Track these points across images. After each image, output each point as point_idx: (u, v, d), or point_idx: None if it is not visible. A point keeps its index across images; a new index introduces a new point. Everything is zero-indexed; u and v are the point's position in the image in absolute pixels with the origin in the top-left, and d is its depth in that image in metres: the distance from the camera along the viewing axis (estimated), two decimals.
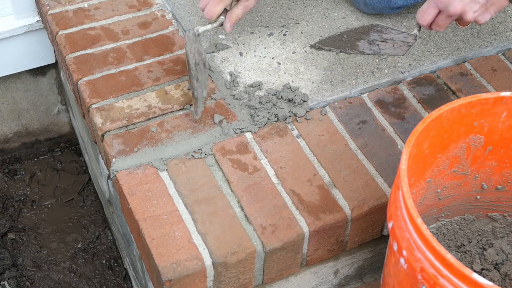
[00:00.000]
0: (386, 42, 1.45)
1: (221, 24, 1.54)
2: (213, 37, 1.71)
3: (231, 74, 1.61)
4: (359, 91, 1.59)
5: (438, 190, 1.32)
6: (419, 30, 1.43)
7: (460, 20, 1.36)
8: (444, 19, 1.34)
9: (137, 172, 1.40)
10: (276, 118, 1.51)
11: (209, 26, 1.54)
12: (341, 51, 1.46)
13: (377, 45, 1.45)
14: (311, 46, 1.49)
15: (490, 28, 1.77)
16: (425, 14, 1.35)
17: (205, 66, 1.50)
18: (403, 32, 1.41)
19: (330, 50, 1.48)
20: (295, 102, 1.53)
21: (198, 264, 1.25)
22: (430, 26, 1.39)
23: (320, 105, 1.56)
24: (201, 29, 1.53)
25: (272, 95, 1.55)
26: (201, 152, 1.44)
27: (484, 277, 1.29)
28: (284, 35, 1.73)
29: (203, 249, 1.27)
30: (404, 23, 1.76)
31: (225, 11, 1.54)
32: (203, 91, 1.48)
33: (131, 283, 1.99)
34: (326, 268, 1.49)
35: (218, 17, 1.53)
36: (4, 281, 1.95)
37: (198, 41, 1.50)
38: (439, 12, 1.33)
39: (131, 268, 1.84)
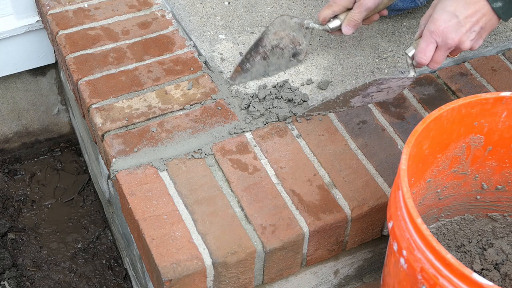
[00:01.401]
0: (382, 91, 1.45)
1: (327, 30, 1.53)
2: (213, 37, 1.71)
3: (231, 74, 1.61)
4: None
5: (438, 190, 1.32)
6: (415, 71, 1.41)
7: (454, 51, 1.35)
8: (443, 53, 1.33)
9: (137, 172, 1.40)
10: (276, 118, 1.51)
11: (316, 25, 1.55)
12: (330, 111, 1.49)
13: (371, 96, 1.45)
14: (299, 116, 1.50)
15: None
16: (426, 51, 1.32)
17: (293, 56, 1.55)
18: (401, 78, 1.39)
19: (319, 114, 1.49)
20: (295, 102, 1.53)
21: (198, 264, 1.25)
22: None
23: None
24: (311, 24, 1.55)
25: (272, 95, 1.55)
26: (201, 152, 1.44)
27: (484, 277, 1.29)
28: None
29: (203, 249, 1.27)
30: (404, 23, 1.77)
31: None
32: (260, 70, 1.53)
33: (131, 283, 1.99)
34: (326, 268, 1.49)
35: (328, 22, 1.53)
36: (4, 281, 1.95)
37: (302, 31, 1.53)
38: (437, 47, 1.32)
39: (131, 268, 1.84)
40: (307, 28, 1.55)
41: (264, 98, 1.53)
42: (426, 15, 1.35)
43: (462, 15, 1.26)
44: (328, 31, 1.54)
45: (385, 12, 1.56)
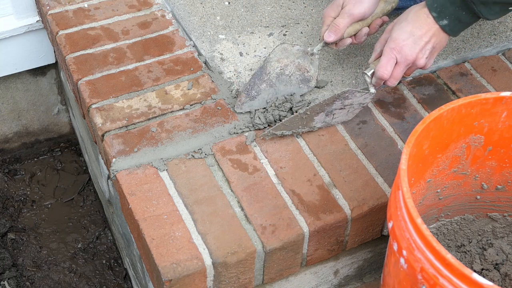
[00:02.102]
0: (344, 108, 1.47)
1: (327, 45, 1.54)
2: (213, 37, 1.71)
3: (231, 74, 1.61)
4: None
5: (438, 190, 1.32)
6: (375, 88, 1.48)
7: (410, 68, 1.45)
8: (402, 69, 1.42)
9: (137, 172, 1.40)
10: (278, 118, 1.51)
11: (319, 47, 1.55)
12: (293, 133, 1.47)
13: (333, 114, 1.48)
14: (264, 135, 1.47)
15: (490, 28, 1.77)
16: (387, 66, 1.41)
17: (302, 83, 1.53)
18: (364, 94, 1.45)
19: (282, 135, 1.47)
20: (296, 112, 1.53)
21: (198, 264, 1.25)
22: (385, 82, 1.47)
23: None
24: (315, 49, 1.55)
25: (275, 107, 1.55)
26: (201, 152, 1.44)
27: (484, 277, 1.29)
28: (284, 35, 1.73)
29: (203, 249, 1.27)
30: None
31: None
32: (268, 97, 1.51)
33: (131, 283, 1.99)
34: (326, 268, 1.49)
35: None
36: (4, 281, 1.95)
37: (307, 58, 1.54)
38: (396, 63, 1.42)
39: (131, 268, 1.84)
40: (311, 54, 1.55)
41: (267, 110, 1.52)
42: (381, 39, 1.46)
43: (417, 34, 1.39)
44: (328, 45, 1.54)
45: (382, 21, 1.56)
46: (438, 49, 1.43)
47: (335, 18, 1.50)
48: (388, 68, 1.42)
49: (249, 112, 1.51)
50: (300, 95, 1.54)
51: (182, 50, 1.67)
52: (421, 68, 1.45)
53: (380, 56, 1.45)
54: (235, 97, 1.56)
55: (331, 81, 1.60)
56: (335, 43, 1.53)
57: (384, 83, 1.46)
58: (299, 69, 1.54)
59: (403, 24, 1.40)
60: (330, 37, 1.49)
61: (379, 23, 1.55)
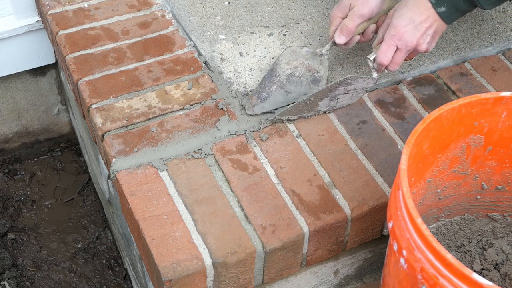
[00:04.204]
0: (348, 93, 1.50)
1: (335, 45, 1.54)
2: (213, 37, 1.71)
3: (231, 74, 1.61)
4: None
5: (438, 190, 1.32)
6: (377, 73, 1.50)
7: (412, 53, 1.47)
8: (403, 54, 1.45)
9: (137, 172, 1.40)
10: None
11: (327, 47, 1.55)
12: (299, 117, 1.50)
13: (337, 99, 1.50)
14: (270, 121, 1.50)
15: (490, 28, 1.77)
16: (387, 53, 1.43)
17: (313, 83, 1.53)
18: (367, 79, 1.48)
19: (288, 120, 1.49)
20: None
21: (198, 264, 1.25)
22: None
23: None
24: (323, 50, 1.55)
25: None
26: (201, 152, 1.44)
27: (484, 277, 1.29)
28: (284, 35, 1.73)
29: (203, 249, 1.27)
30: None
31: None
32: (279, 99, 1.51)
33: (131, 283, 1.99)
34: (326, 268, 1.49)
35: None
36: (4, 281, 1.95)
37: (317, 59, 1.54)
38: (397, 49, 1.44)
39: (131, 268, 1.85)
40: (320, 55, 1.55)
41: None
42: (384, 24, 1.48)
43: (418, 21, 1.40)
44: (337, 45, 1.54)
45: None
46: (439, 33, 1.44)
47: (343, 19, 1.50)
48: (388, 54, 1.44)
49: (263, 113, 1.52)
50: None
51: (182, 50, 1.67)
52: (423, 52, 1.46)
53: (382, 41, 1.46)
54: (235, 97, 1.56)
55: (331, 81, 1.60)
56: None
57: (385, 68, 1.48)
58: (309, 70, 1.55)
59: (403, 10, 1.41)
60: (341, 39, 1.50)
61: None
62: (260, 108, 1.51)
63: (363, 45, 1.70)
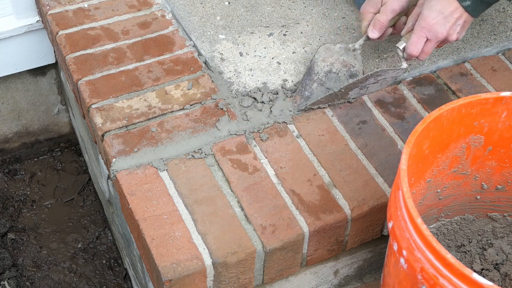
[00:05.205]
0: (377, 82, 1.55)
1: (368, 39, 1.57)
2: (213, 37, 1.71)
3: (231, 74, 1.61)
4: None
5: (438, 190, 1.32)
6: (407, 62, 1.53)
7: (442, 42, 1.49)
8: (433, 45, 1.47)
9: (137, 172, 1.40)
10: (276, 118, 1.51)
11: (361, 42, 1.59)
12: (328, 105, 1.55)
13: (367, 88, 1.55)
14: (303, 110, 1.53)
15: (490, 28, 1.77)
16: (417, 44, 1.46)
17: (350, 77, 1.56)
18: (396, 70, 1.53)
19: (319, 108, 1.54)
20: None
21: (198, 264, 1.25)
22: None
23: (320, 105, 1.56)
24: (356, 45, 1.59)
25: (273, 94, 1.55)
26: (201, 152, 1.44)
27: (484, 277, 1.29)
28: (284, 35, 1.73)
29: (203, 249, 1.27)
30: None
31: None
32: (322, 95, 1.53)
33: (131, 283, 1.99)
34: (326, 268, 1.49)
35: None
36: (4, 281, 1.95)
37: (350, 54, 1.58)
38: (427, 40, 1.47)
39: (131, 268, 1.84)
40: (354, 50, 1.59)
41: (264, 98, 1.54)
42: (414, 13, 1.51)
43: (447, 12, 1.42)
44: (369, 39, 1.58)
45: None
46: (468, 23, 1.47)
47: (375, 14, 1.54)
48: (418, 46, 1.46)
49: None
50: None
51: (182, 50, 1.67)
52: (454, 41, 1.49)
53: (412, 30, 1.49)
54: (235, 97, 1.56)
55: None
56: None
57: (415, 58, 1.51)
58: (345, 65, 1.58)
59: (433, 2, 1.43)
60: (375, 34, 1.54)
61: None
62: (304, 106, 1.54)
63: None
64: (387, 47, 1.70)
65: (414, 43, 1.47)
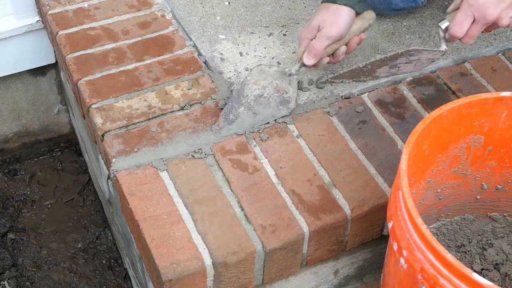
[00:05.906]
0: (410, 63, 1.42)
1: (304, 66, 1.49)
2: (213, 37, 1.71)
3: (231, 74, 1.61)
4: (359, 91, 1.59)
5: (438, 190, 1.32)
6: (447, 45, 1.40)
7: (491, 26, 1.34)
8: (479, 28, 1.32)
9: (137, 172, 1.40)
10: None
11: (296, 67, 1.50)
12: (353, 80, 1.43)
13: (398, 67, 1.41)
14: (324, 82, 1.45)
15: None
16: (463, 24, 1.32)
17: (281, 104, 1.49)
18: (433, 51, 1.38)
19: (342, 82, 1.43)
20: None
21: (198, 264, 1.25)
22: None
23: (320, 105, 1.56)
24: (293, 70, 1.50)
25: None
26: (201, 152, 1.44)
27: (484, 277, 1.29)
28: (284, 35, 1.73)
29: (203, 249, 1.27)
30: (404, 23, 1.77)
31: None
32: (246, 121, 1.46)
33: (131, 283, 1.99)
34: (326, 268, 1.49)
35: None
36: (4, 281, 1.95)
37: (285, 79, 1.49)
38: (474, 21, 1.32)
39: (131, 268, 1.85)
40: (289, 75, 1.50)
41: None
42: None
43: None
44: (305, 66, 1.49)
45: (359, 38, 1.49)
46: None
47: (311, 40, 1.44)
48: (463, 26, 1.32)
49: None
50: (281, 117, 1.50)
51: (182, 50, 1.67)
52: (504, 27, 1.34)
53: (459, 8, 1.34)
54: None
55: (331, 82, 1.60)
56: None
57: (458, 40, 1.37)
58: (278, 90, 1.50)
59: None
60: (310, 61, 1.44)
61: (357, 41, 1.49)
62: (226, 131, 1.47)
63: (363, 44, 1.69)
64: (387, 47, 1.70)
65: (459, 23, 1.31)
